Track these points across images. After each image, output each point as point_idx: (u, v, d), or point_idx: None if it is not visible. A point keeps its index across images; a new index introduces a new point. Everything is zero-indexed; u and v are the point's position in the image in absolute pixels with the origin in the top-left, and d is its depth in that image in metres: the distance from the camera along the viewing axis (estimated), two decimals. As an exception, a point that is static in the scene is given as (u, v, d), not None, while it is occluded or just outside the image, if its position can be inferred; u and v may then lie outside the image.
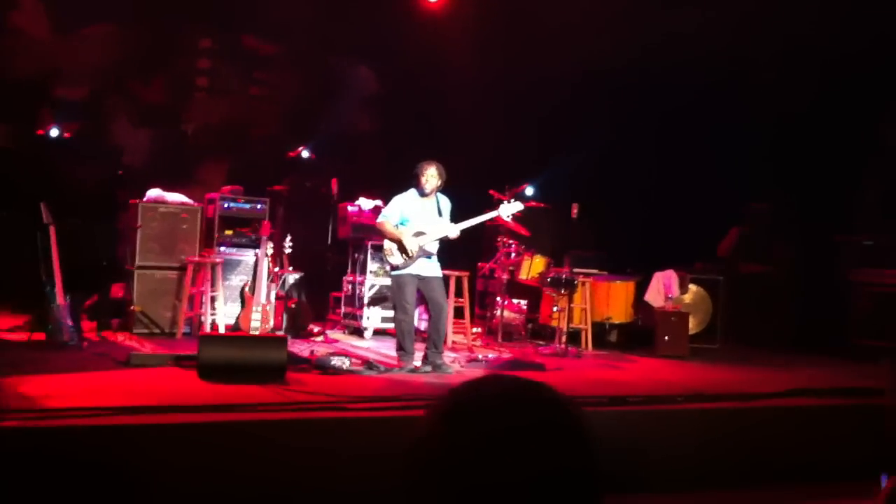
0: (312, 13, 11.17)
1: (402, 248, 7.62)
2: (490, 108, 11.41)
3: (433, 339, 7.63)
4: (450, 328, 9.13)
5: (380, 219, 7.90)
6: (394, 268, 7.72)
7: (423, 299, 8.03)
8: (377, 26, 11.48)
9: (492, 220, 8.52)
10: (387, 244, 7.75)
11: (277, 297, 8.96)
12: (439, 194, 7.83)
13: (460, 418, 1.15)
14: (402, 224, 7.71)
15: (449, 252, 8.23)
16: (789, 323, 10.54)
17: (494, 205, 8.64)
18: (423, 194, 7.72)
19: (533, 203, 10.16)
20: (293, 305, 9.48)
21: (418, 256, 7.61)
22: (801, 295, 10.60)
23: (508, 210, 8.31)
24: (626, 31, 10.54)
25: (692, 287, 10.17)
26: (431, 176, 7.65)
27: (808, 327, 10.27)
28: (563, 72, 11.13)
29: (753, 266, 10.55)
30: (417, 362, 7.65)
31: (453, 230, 7.72)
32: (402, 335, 7.66)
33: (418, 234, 7.65)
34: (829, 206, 10.53)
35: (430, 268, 7.72)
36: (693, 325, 9.87)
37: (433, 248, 7.73)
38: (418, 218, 7.71)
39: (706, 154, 10.82)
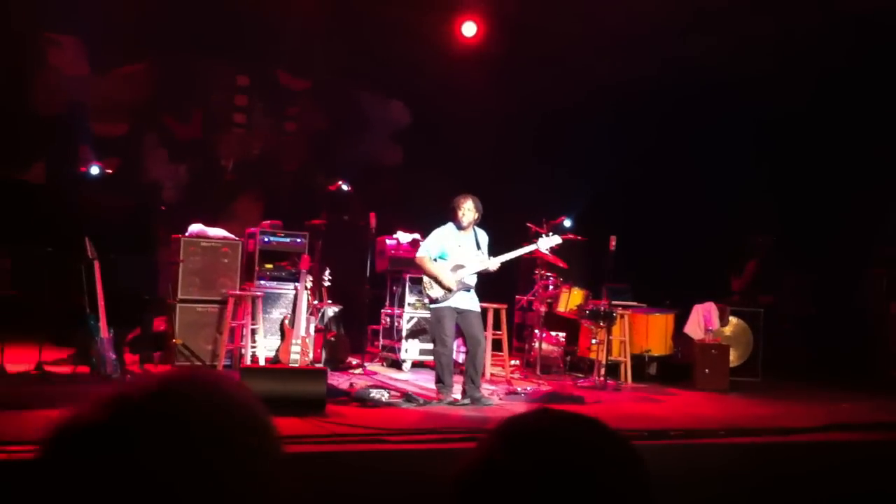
0: (343, 48, 11.33)
1: (441, 282, 7.67)
2: (523, 139, 11.47)
3: (470, 374, 7.62)
4: (488, 361, 9.13)
5: (419, 253, 7.96)
6: (433, 301, 7.76)
7: (460, 332, 8.05)
8: (408, 60, 11.60)
9: (530, 253, 8.53)
10: (426, 278, 7.82)
11: (316, 330, 9.04)
12: (477, 228, 7.88)
13: (515, 454, 1.13)
14: (441, 258, 7.77)
15: (487, 284, 8.26)
16: (825, 355, 10.47)
17: (532, 238, 8.65)
18: (460, 228, 7.78)
19: (570, 235, 10.15)
20: (332, 338, 9.54)
21: (457, 290, 7.66)
22: (840, 326, 10.54)
23: (547, 244, 8.31)
24: (651, 59, 10.59)
25: (732, 319, 10.09)
26: (468, 209, 7.71)
27: (846, 359, 10.17)
28: (593, 102, 11.20)
29: (767, 297, 10.46)
30: (456, 395, 7.66)
31: (492, 263, 7.76)
32: (441, 368, 7.68)
33: (457, 267, 7.70)
34: (856, 236, 10.49)
35: (469, 301, 7.76)
36: (733, 358, 9.78)
37: (472, 280, 7.76)
38: (457, 251, 7.77)
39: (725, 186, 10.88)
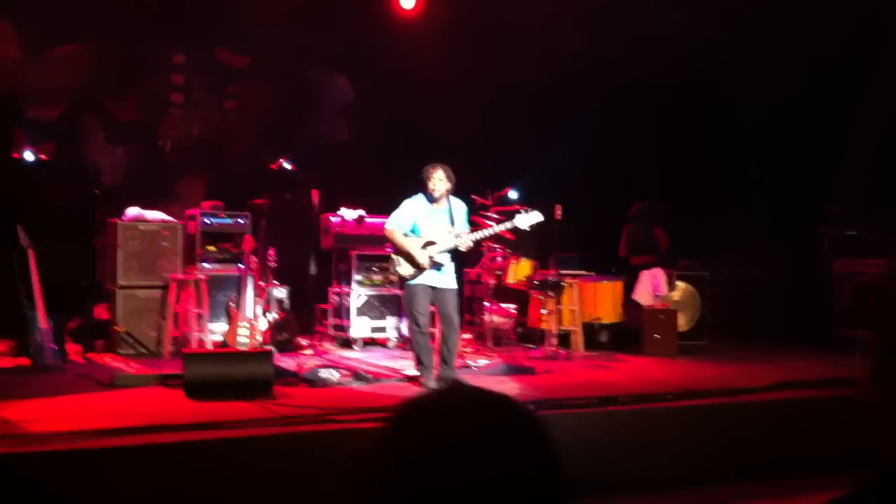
0: (285, 24, 11.10)
1: (412, 260, 7.23)
2: (468, 111, 11.36)
3: (443, 355, 7.21)
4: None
5: (388, 226, 7.43)
6: (402, 279, 7.35)
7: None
8: (351, 35, 11.41)
9: (507, 231, 7.93)
10: (394, 254, 7.35)
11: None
12: (452, 198, 7.41)
13: (408, 426, 1.10)
14: (413, 232, 7.32)
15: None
16: (772, 316, 10.62)
17: (495, 215, 8.45)
18: (432, 200, 7.31)
19: (516, 206, 10.09)
20: (280, 319, 9.39)
21: (428, 268, 7.21)
22: (785, 287, 10.71)
23: (526, 221, 7.63)
24: (601, 30, 10.56)
25: (680, 284, 10.14)
26: (439, 179, 7.22)
27: (792, 319, 10.31)
28: (538, 72, 11.15)
29: (642, 258, 10.50)
30: (413, 371, 7.52)
31: (463, 242, 7.30)
32: (417, 348, 7.23)
33: (428, 244, 7.23)
34: (810, 197, 10.61)
35: (443, 279, 7.29)
36: (682, 323, 9.85)
37: (443, 259, 7.29)
38: (429, 225, 7.30)
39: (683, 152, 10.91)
